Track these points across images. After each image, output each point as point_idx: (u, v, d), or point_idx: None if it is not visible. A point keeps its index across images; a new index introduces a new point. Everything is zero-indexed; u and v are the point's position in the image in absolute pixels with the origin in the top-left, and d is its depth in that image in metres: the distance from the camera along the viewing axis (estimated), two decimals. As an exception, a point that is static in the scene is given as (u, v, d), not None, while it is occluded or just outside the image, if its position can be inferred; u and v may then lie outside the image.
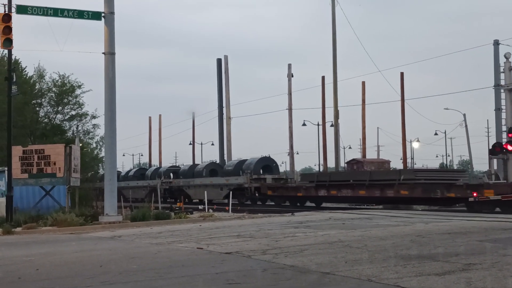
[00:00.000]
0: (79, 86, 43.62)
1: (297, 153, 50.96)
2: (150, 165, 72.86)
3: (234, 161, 46.47)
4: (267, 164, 42.61)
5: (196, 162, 60.89)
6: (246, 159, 45.43)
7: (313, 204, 36.60)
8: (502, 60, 34.50)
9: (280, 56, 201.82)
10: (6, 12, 21.98)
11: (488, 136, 78.10)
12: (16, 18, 22.19)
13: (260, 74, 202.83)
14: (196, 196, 46.71)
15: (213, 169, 48.11)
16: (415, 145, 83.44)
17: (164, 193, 48.27)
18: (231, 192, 34.67)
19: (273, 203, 40.95)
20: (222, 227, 18.97)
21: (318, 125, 64.94)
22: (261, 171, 41.73)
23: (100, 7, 23.37)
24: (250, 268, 9.82)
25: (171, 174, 52.74)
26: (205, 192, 35.08)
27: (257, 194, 40.54)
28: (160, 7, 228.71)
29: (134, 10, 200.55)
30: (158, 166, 60.88)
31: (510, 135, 29.67)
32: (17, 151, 24.64)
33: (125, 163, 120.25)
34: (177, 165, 62.39)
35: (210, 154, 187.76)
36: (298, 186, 38.69)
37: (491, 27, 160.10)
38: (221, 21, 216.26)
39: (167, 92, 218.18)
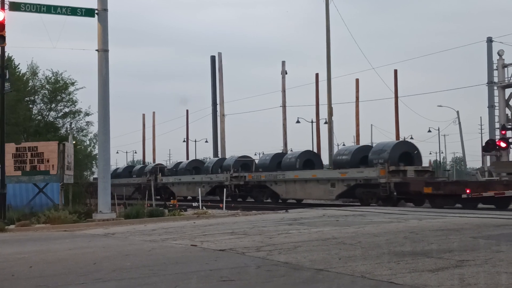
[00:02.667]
0: (73, 83, 43.55)
1: (291, 150, 50.59)
2: (144, 162, 72.70)
3: (349, 147, 35.71)
4: (406, 151, 31.28)
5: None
6: (368, 145, 36.43)
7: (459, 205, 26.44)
8: (495, 57, 34.66)
9: (275, 54, 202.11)
10: (-1, 9, 21.89)
11: (481, 133, 78.44)
12: (9, 15, 22.14)
13: (255, 72, 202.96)
14: (289, 194, 36.56)
15: (309, 160, 37.60)
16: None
17: (234, 190, 40.34)
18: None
19: (412, 205, 29.51)
20: (216, 224, 18.98)
21: (312, 122, 65.13)
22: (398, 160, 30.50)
23: (93, 4, 23.34)
24: (244, 265, 9.82)
25: (239, 168, 42.77)
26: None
27: (395, 193, 29.30)
28: (155, 6, 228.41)
29: (130, 8, 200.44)
30: (221, 157, 50.55)
31: (503, 132, 29.81)
32: (10, 148, 24.58)
33: (118, 161, 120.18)
34: (248, 155, 50.47)
35: (204, 152, 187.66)
36: (489, 181, 27.07)
37: (485, 25, 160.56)
38: (216, 20, 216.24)
39: (161, 89, 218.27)
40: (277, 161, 39.07)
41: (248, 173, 40.55)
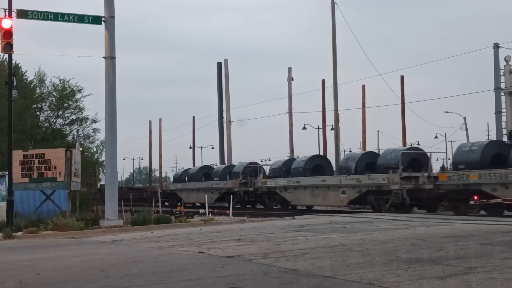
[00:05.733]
0: (80, 90, 43.74)
1: (297, 156, 50.43)
2: (150, 169, 72.63)
3: None
4: None
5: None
6: None
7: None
8: (502, 63, 34.58)
9: (281, 60, 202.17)
10: (7, 16, 22.03)
11: (488, 139, 78.17)
12: (16, 23, 22.27)
13: (261, 78, 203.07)
14: None
15: None
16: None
17: (404, 196, 28.21)
18: None
19: None
20: (223, 231, 18.97)
21: (318, 128, 65.07)
22: None
23: (100, 11, 23.45)
24: (251, 272, 9.82)
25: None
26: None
27: None
28: (161, 12, 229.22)
29: (136, 15, 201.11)
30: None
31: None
32: (17, 155, 24.66)
33: (125, 167, 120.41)
34: (418, 147, 36.11)
35: (210, 158, 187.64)
36: None
37: (493, 31, 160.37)
38: (223, 26, 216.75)
39: (168, 96, 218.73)
40: (493, 153, 25.96)
41: (438, 172, 28.66)
